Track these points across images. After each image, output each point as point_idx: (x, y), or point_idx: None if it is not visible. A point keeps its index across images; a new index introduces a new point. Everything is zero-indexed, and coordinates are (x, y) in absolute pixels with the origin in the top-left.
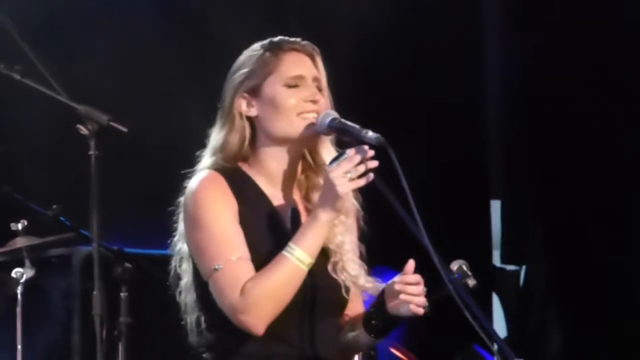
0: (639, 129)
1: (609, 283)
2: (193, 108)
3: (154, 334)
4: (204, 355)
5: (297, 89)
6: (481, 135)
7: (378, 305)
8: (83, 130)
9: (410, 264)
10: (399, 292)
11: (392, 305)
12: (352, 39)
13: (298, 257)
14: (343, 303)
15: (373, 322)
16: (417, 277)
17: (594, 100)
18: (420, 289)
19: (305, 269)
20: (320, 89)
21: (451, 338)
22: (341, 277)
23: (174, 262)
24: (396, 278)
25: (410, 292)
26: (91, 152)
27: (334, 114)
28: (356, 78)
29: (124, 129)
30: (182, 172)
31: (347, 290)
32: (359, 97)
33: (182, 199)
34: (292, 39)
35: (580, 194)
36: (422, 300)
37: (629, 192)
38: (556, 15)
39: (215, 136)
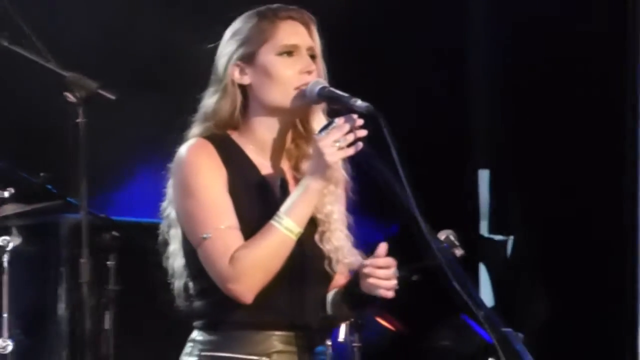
0: (620, 103)
1: (596, 253)
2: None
3: (141, 302)
4: (193, 324)
5: (291, 58)
6: (469, 105)
7: (355, 282)
8: (71, 97)
9: (382, 247)
10: (369, 275)
11: (365, 286)
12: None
13: (287, 226)
14: (329, 273)
15: (350, 296)
16: (388, 261)
17: (580, 74)
18: (390, 272)
19: (294, 238)
20: (314, 57)
21: (439, 307)
22: (326, 248)
23: (162, 228)
24: (367, 261)
25: (378, 275)
26: (79, 120)
27: (324, 83)
28: (344, 49)
29: (112, 97)
30: (173, 137)
31: (330, 261)
32: (347, 68)
33: (171, 166)
34: (289, 7)
35: (569, 164)
36: (392, 284)
37: (617, 164)
38: None
39: (207, 103)
